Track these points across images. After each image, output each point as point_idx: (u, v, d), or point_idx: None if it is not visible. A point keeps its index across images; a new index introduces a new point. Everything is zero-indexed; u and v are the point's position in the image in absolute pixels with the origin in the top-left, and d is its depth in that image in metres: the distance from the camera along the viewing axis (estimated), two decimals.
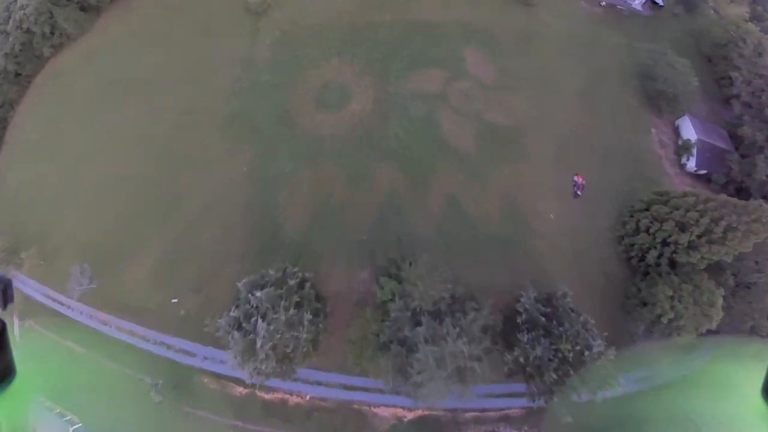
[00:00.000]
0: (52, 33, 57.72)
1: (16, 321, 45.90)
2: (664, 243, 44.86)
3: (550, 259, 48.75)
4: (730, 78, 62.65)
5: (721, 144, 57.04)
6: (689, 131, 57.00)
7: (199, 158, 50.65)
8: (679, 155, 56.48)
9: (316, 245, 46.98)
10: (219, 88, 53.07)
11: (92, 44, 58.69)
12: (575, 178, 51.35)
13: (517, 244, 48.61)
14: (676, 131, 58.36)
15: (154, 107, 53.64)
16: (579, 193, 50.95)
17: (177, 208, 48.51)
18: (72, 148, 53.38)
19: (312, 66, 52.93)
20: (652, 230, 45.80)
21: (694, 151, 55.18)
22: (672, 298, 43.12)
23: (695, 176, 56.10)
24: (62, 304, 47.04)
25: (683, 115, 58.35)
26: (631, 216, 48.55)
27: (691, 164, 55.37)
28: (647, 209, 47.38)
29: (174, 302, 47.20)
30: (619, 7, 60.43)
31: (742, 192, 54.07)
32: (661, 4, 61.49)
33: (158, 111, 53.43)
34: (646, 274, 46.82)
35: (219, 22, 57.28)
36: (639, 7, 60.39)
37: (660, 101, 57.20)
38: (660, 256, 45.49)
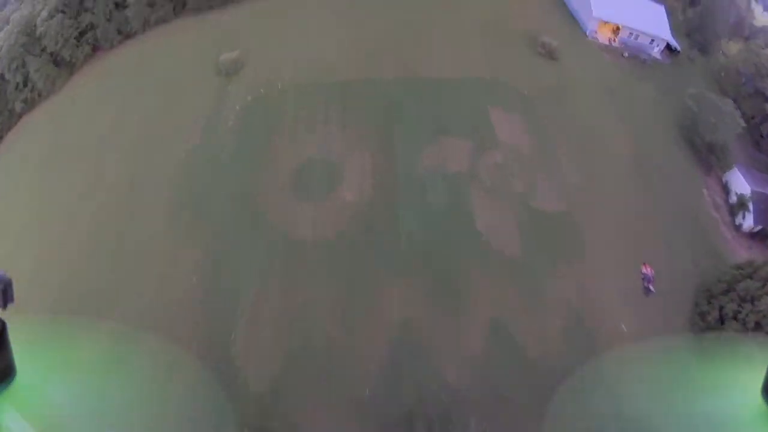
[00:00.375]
0: (25, 85, 52.77)
1: None
2: (757, 326, 35.34)
3: (628, 388, 32.23)
4: (764, 114, 54.38)
5: None
6: (741, 185, 47.91)
7: (135, 255, 36.78)
8: (733, 215, 47.22)
9: (293, 403, 30.40)
10: (171, 162, 40.57)
11: (60, 104, 51.91)
12: (644, 270, 39.06)
13: (587, 376, 33.13)
14: (725, 188, 49.30)
15: (97, 180, 42.56)
16: (651, 288, 37.96)
17: (107, 318, 33.62)
18: (19, 222, 43.67)
19: (289, 137, 39.52)
20: (741, 315, 35.82)
21: (750, 206, 46.41)
22: None
23: (749, 235, 46.74)
24: None
25: (730, 168, 49.43)
26: (710, 302, 38.04)
27: (748, 222, 46.05)
28: (730, 289, 37.39)
29: None
30: (642, 57, 53.99)
31: None
32: (678, 48, 55.55)
33: (100, 185, 42.04)
34: None
35: (186, 85, 46.95)
36: (658, 56, 54.65)
37: (709, 155, 48.59)
38: None
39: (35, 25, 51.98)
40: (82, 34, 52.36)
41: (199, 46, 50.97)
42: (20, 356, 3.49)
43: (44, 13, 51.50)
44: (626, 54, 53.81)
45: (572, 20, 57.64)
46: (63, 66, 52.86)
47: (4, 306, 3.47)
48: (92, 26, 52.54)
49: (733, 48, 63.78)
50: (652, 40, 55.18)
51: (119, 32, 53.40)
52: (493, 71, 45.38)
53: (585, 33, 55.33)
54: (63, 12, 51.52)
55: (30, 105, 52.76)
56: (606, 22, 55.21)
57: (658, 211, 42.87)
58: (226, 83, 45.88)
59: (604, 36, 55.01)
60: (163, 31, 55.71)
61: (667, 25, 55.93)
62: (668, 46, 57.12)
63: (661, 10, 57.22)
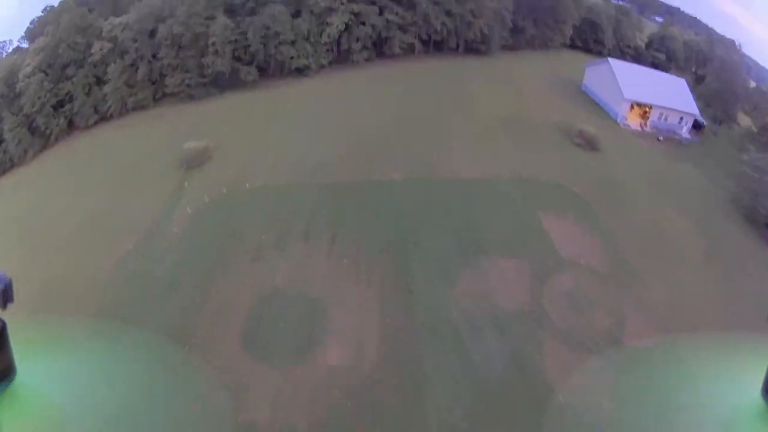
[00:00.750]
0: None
1: None
2: None
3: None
4: None
5: None
6: None
7: None
8: None
9: None
10: (97, 270, 30.49)
11: (24, 178, 48.04)
12: None
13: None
14: None
15: (23, 281, 27.79)
16: None
17: None
18: None
19: (251, 256, 27.47)
20: None
21: None
22: None
23: None
24: None
25: None
26: None
27: None
28: None
29: None
30: (677, 137, 50.43)
31: None
32: (705, 123, 52.45)
33: (21, 289, 27.54)
34: None
35: (145, 177, 39.31)
36: (688, 134, 51.25)
37: None
38: None
39: (17, 78, 48.86)
40: (60, 103, 49.34)
41: (172, 135, 43.98)
42: (20, 356, 3.46)
43: (28, 69, 48.59)
44: (661, 138, 49.24)
45: (597, 108, 52.36)
46: (37, 135, 49.37)
47: (4, 306, 3.42)
48: (71, 98, 49.14)
49: (744, 120, 61.34)
50: (681, 119, 51.00)
51: (96, 111, 49.72)
52: (531, 168, 36.17)
53: (616, 120, 50.10)
54: (45, 73, 48.68)
55: (1, 169, 49.55)
56: (634, 106, 51.09)
57: (743, 312, 33.23)
58: (184, 178, 36.13)
59: (634, 122, 50.68)
60: (139, 117, 50.70)
61: (693, 100, 52.20)
62: (694, 126, 53.45)
63: (683, 84, 53.99)
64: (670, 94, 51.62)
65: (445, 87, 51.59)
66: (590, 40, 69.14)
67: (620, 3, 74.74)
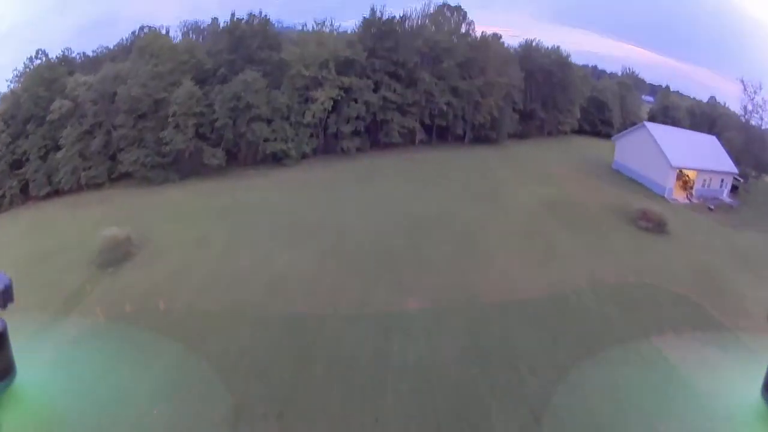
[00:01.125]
0: None
1: None
2: None
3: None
4: None
5: None
6: None
7: None
8: None
9: None
10: None
11: None
12: None
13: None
14: None
15: None
16: None
17: None
18: None
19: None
20: None
21: None
22: None
23: None
24: None
25: None
26: None
27: None
28: None
29: None
30: (724, 203, 47.52)
31: None
32: (741, 181, 50.12)
33: None
34: None
35: (50, 269, 30.08)
36: (728, 197, 48.59)
37: None
38: None
39: None
40: (17, 164, 46.05)
41: (106, 222, 35.35)
42: (20, 356, 3.57)
43: None
44: (712, 207, 44.98)
45: (636, 185, 46.13)
46: None
47: (4, 306, 3.56)
48: (27, 158, 45.73)
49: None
50: (722, 181, 47.12)
51: (49, 182, 45.01)
52: (609, 267, 26.21)
53: (662, 195, 43.98)
54: (6, 123, 45.98)
55: None
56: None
57: None
58: (93, 279, 25.90)
59: (679, 194, 45.72)
60: (90, 197, 44.35)
61: (728, 158, 47.99)
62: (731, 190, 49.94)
63: (716, 142, 49.79)
64: (710, 155, 47.51)
65: (464, 176, 43.55)
66: (597, 122, 67.42)
67: (619, 81, 73.87)
